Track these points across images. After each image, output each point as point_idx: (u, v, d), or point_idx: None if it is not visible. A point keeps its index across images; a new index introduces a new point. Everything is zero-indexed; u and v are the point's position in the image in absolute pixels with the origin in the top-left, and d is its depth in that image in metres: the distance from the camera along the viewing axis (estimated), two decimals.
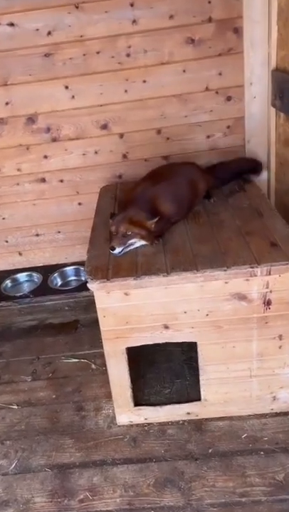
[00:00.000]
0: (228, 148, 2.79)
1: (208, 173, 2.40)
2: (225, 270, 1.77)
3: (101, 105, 2.70)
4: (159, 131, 2.77)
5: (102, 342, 1.96)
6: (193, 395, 2.19)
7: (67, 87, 2.65)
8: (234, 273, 1.78)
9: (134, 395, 2.09)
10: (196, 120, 2.73)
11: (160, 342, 1.96)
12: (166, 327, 1.91)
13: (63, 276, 3.10)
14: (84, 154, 2.83)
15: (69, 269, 3.11)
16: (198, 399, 2.11)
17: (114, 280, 1.79)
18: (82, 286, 2.94)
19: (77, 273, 3.11)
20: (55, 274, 3.09)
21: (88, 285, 1.81)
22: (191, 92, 2.67)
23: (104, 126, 2.75)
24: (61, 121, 2.73)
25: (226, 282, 1.81)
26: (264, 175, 2.74)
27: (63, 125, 2.75)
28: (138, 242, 1.99)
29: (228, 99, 2.69)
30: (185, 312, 1.88)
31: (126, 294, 1.83)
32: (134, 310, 1.87)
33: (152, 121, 2.73)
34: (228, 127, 2.76)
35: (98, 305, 1.86)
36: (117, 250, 1.92)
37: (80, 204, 2.97)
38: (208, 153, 2.79)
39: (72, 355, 2.65)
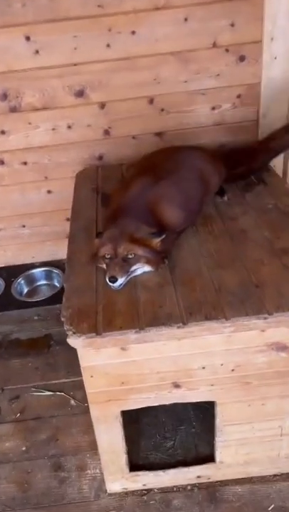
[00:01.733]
0: (237, 124, 2.22)
1: (219, 160, 1.82)
2: (265, 318, 1.25)
3: (75, 64, 2.05)
4: (151, 101, 2.15)
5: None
6: (202, 447, 1.74)
7: (28, 39, 1.98)
8: (276, 321, 1.27)
9: (128, 453, 1.60)
10: (199, 87, 2.13)
11: (167, 403, 1.45)
12: (177, 386, 1.40)
13: (30, 280, 2.52)
14: (53, 129, 2.19)
15: (37, 272, 2.53)
16: (210, 454, 1.66)
17: (108, 334, 1.24)
18: (56, 297, 2.37)
19: (48, 276, 2.53)
20: (20, 279, 2.50)
21: (68, 340, 1.26)
22: (194, 49, 2.05)
23: (80, 93, 2.11)
24: (22, 85, 2.08)
25: (263, 331, 1.30)
26: (280, 158, 2.19)
27: (25, 90, 2.09)
28: (142, 269, 1.43)
29: (241, 59, 2.09)
30: (203, 368, 1.37)
31: (123, 349, 1.29)
32: (134, 367, 1.35)
33: (143, 86, 2.11)
34: (239, 96, 2.17)
35: (83, 363, 1.33)
36: (120, 282, 1.37)
37: (49, 192, 2.36)
38: (213, 130, 2.22)
39: (45, 386, 2.13)
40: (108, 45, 2.01)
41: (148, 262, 1.42)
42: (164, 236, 1.43)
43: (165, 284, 1.40)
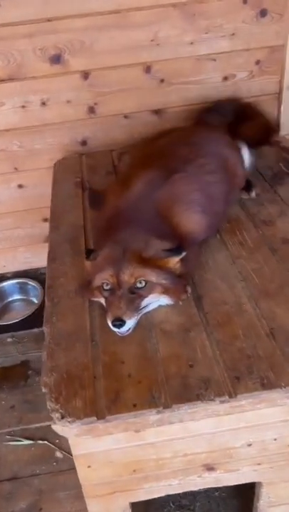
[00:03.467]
0: (254, 98, 1.77)
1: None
2: None
3: (49, 19, 1.57)
4: (147, 69, 1.69)
5: None
6: None
7: None
8: None
9: None
10: (209, 50, 1.68)
11: (195, 489, 1.04)
12: (211, 469, 0.98)
13: (0, 295, 2.05)
14: (23, 107, 1.71)
15: (9, 285, 2.06)
16: None
17: (116, 418, 0.80)
18: (32, 319, 1.92)
19: (22, 289, 2.07)
20: None
21: (55, 427, 0.82)
22: (203, 0, 1.58)
23: (57, 59, 1.63)
24: None
25: None
26: None
27: None
28: (156, 302, 1.00)
29: (262, 13, 1.64)
30: (249, 445, 0.95)
31: (137, 431, 0.86)
32: (152, 452, 0.92)
33: (137, 49, 1.65)
34: (258, 63, 1.73)
35: (76, 451, 0.89)
36: (128, 326, 0.93)
37: (20, 187, 1.89)
38: None
39: (23, 432, 1.70)
40: None
41: (165, 292, 0.98)
42: (184, 253, 1.00)
43: (192, 326, 0.97)
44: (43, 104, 1.70)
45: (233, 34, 1.66)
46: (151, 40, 1.63)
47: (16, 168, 1.83)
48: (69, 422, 0.79)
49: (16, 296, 2.08)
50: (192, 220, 1.09)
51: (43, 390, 0.86)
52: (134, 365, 0.89)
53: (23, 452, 1.63)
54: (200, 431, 0.90)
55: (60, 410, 0.81)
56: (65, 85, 1.68)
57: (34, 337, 1.99)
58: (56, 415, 0.80)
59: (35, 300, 2.02)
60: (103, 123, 1.77)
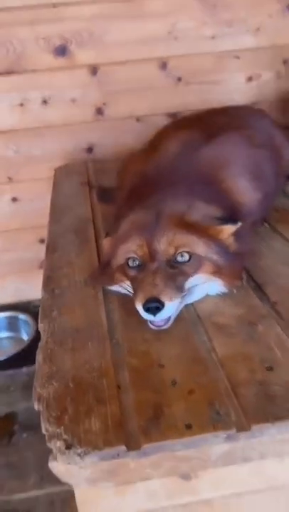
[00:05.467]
0: (282, 103, 1.58)
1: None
2: None
3: (54, 5, 1.39)
4: (163, 65, 1.51)
5: None
6: None
7: None
8: None
9: None
10: (232, 46, 1.50)
11: None
12: None
13: None
14: (22, 105, 1.49)
15: None
16: None
17: (157, 448, 0.47)
18: (22, 356, 1.57)
19: (11, 325, 1.74)
20: None
21: (53, 465, 0.49)
22: None
23: (62, 50, 1.45)
24: None
25: None
26: None
27: None
28: (203, 289, 0.70)
29: None
30: None
31: (185, 477, 0.52)
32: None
33: (152, 43, 1.47)
34: (286, 62, 1.55)
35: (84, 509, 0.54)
36: (169, 311, 0.62)
37: (14, 200, 1.62)
38: None
39: (5, 505, 1.31)
40: None
41: (217, 273, 0.68)
42: (239, 224, 0.71)
43: (258, 318, 0.66)
44: (44, 102, 1.49)
45: (258, 29, 1.49)
46: (168, 33, 1.46)
47: (9, 178, 1.58)
48: (79, 454, 0.46)
49: (4, 333, 1.74)
50: (245, 188, 0.82)
51: (36, 406, 0.53)
52: (179, 369, 0.57)
53: None
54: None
55: (65, 436, 0.48)
56: (70, 81, 1.48)
57: (22, 384, 1.64)
58: (57, 444, 0.47)
59: (25, 337, 1.69)
60: (112, 126, 1.55)
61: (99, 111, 1.53)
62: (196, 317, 0.67)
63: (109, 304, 0.72)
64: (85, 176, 1.37)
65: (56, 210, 1.10)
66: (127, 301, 0.69)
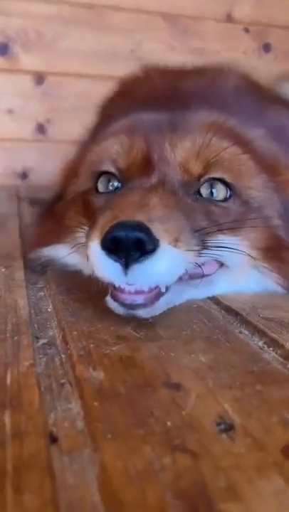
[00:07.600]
0: None
1: None
2: None
3: None
4: None
5: None
6: None
7: None
8: None
9: None
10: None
11: None
12: None
13: None
14: None
15: None
16: None
17: None
18: None
19: None
20: None
21: None
22: (198, 16, 1.29)
23: (3, 49, 1.19)
24: None
25: None
26: None
27: None
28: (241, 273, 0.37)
29: (266, 48, 1.36)
30: None
31: None
32: None
33: (112, 59, 1.28)
34: None
35: None
36: (165, 264, 0.29)
37: None
38: None
39: None
40: None
41: (272, 251, 0.35)
42: None
43: None
44: None
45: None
46: (131, 51, 1.26)
47: None
48: None
49: None
50: None
51: None
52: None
53: None
54: None
55: None
56: (9, 87, 1.20)
57: None
58: None
59: None
60: (55, 149, 1.26)
61: (40, 128, 1.25)
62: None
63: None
64: (15, 205, 1.02)
65: None
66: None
